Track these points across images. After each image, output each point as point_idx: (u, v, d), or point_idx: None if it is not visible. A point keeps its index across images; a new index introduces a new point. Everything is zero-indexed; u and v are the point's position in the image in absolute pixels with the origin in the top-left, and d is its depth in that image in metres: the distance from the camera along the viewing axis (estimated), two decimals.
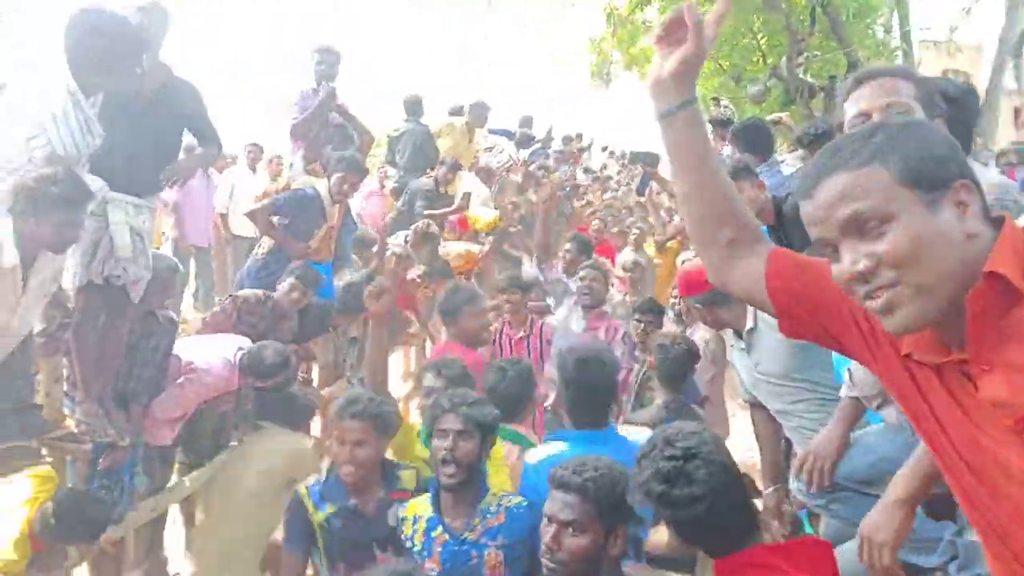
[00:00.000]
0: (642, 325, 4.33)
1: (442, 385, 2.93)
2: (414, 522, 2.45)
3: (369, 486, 2.61)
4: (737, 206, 1.31)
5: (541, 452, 2.70)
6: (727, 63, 13.60)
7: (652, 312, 4.44)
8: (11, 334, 3.00)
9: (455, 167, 7.09)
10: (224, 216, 8.17)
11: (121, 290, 3.49)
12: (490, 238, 6.95)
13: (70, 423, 3.39)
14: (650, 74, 1.30)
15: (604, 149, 13.94)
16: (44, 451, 3.24)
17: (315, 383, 5.48)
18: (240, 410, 4.46)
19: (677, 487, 1.64)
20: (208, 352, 3.87)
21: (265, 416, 4.58)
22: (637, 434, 2.74)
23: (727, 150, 5.89)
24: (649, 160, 5.01)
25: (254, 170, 8.84)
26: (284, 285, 4.46)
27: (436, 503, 2.43)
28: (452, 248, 6.49)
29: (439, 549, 2.37)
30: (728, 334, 2.99)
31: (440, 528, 2.39)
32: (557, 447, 2.65)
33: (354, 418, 2.57)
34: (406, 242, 5.99)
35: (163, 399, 3.72)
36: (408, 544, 2.42)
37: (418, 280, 5.95)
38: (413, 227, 6.16)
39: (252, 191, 7.74)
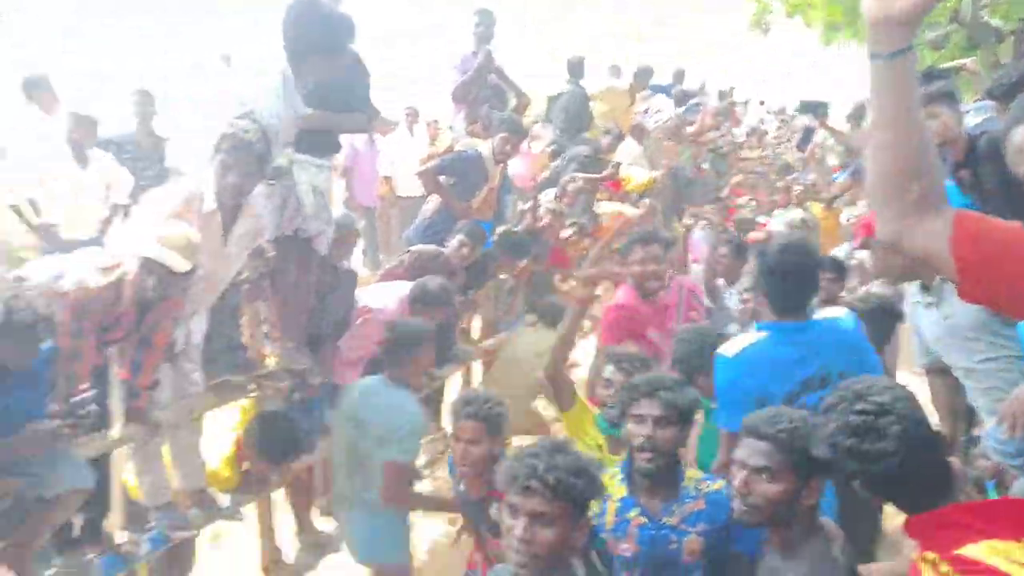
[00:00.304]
0: (823, 283, 3.90)
1: (622, 379, 2.86)
2: (603, 500, 2.30)
3: (478, 480, 2.73)
4: (933, 161, 1.26)
5: (739, 343, 2.61)
6: None
7: (834, 270, 4.12)
8: (218, 279, 3.37)
9: (619, 138, 7.07)
10: (388, 178, 8.62)
11: (306, 243, 3.80)
12: (645, 200, 6.92)
13: (270, 362, 3.79)
14: (877, 9, 1.21)
15: (761, 103, 13.36)
16: (250, 387, 3.66)
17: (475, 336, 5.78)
18: None
19: (867, 441, 1.62)
20: (382, 296, 4.20)
21: None
22: (843, 315, 2.69)
23: None
24: (820, 110, 4.74)
25: (412, 133, 9.23)
26: (454, 242, 4.71)
27: (630, 483, 2.34)
28: (605, 208, 6.53)
29: (635, 531, 2.29)
30: (907, 295, 2.86)
31: (636, 510, 2.30)
32: (756, 336, 2.60)
33: (468, 418, 2.68)
34: (557, 199, 6.09)
35: (346, 340, 4.07)
36: (594, 521, 2.27)
37: (571, 237, 6.07)
38: (562, 182, 6.23)
39: (412, 154, 8.12)
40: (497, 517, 2.42)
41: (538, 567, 1.76)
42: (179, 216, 3.08)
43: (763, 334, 2.60)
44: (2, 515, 2.74)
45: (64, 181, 5.33)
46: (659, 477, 2.30)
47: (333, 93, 3.69)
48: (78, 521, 3.00)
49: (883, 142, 1.24)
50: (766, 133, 11.70)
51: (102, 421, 2.95)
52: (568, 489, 1.75)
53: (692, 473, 2.37)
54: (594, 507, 2.26)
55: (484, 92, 6.06)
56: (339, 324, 4.13)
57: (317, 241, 3.83)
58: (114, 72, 5.54)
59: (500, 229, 5.40)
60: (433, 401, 5.15)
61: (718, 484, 2.33)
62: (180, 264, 2.87)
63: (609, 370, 3.00)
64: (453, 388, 5.51)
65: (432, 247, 4.67)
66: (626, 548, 2.28)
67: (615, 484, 2.35)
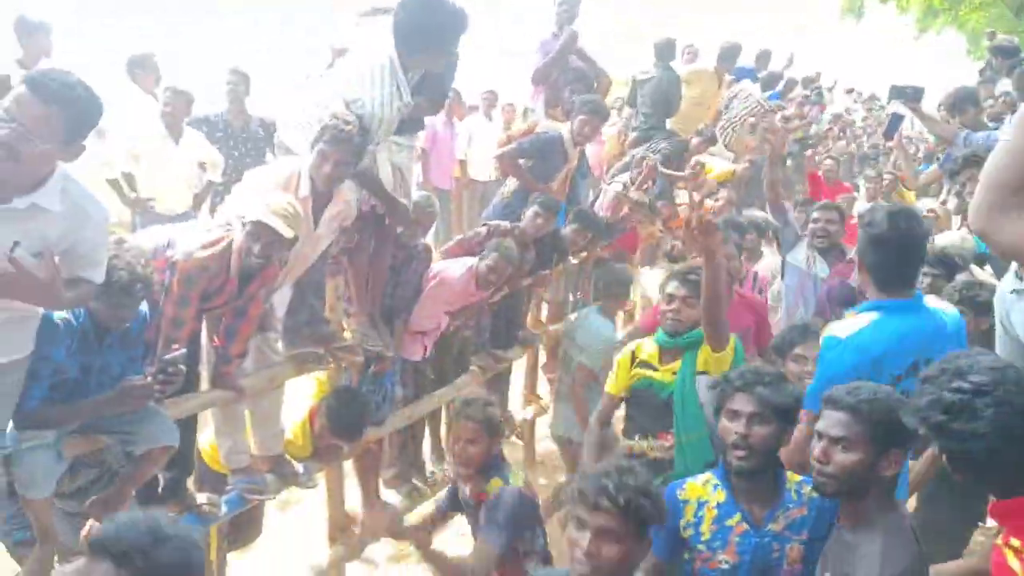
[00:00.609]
0: (928, 280, 3.53)
1: (684, 293, 2.96)
2: (699, 508, 2.24)
3: (474, 478, 2.83)
4: None
5: (850, 325, 2.46)
6: None
7: (942, 264, 3.64)
8: (306, 258, 3.47)
9: (711, 141, 6.90)
10: (463, 161, 8.69)
11: (383, 219, 3.86)
12: (723, 191, 6.75)
13: (348, 335, 3.89)
14: None
15: (850, 91, 12.88)
16: (328, 358, 3.76)
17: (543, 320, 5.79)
18: (480, 337, 4.86)
19: (959, 421, 1.57)
20: (452, 267, 4.27)
21: (496, 345, 4.99)
22: (950, 309, 2.56)
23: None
24: (914, 95, 4.47)
25: (490, 117, 9.27)
26: (529, 212, 4.73)
27: (729, 488, 2.23)
28: (717, 165, 6.36)
29: (736, 539, 2.18)
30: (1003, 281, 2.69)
31: (738, 516, 2.19)
32: (867, 318, 2.45)
33: (468, 419, 2.78)
34: (631, 184, 6.02)
35: (415, 311, 4.15)
36: (688, 532, 2.24)
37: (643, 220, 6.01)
38: (636, 159, 6.11)
39: (489, 137, 8.15)
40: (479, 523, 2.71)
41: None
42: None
43: (873, 315, 2.45)
44: (95, 471, 2.90)
45: (157, 156, 5.56)
46: (759, 480, 2.21)
47: (427, 82, 3.71)
48: (162, 479, 3.15)
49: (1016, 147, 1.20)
50: (853, 123, 11.30)
51: (189, 384, 3.08)
52: (637, 509, 1.79)
53: (792, 476, 2.27)
54: (688, 515, 2.25)
55: (566, 75, 6.02)
56: (411, 300, 4.21)
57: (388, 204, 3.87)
58: (114, 72, 5.75)
59: (574, 209, 5.39)
60: (500, 383, 5.20)
61: None
62: (286, 230, 2.99)
63: (673, 285, 3.01)
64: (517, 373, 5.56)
65: (506, 222, 4.68)
66: (725, 560, 2.18)
67: (709, 490, 2.26)
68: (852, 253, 4.21)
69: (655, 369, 3.05)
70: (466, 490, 2.90)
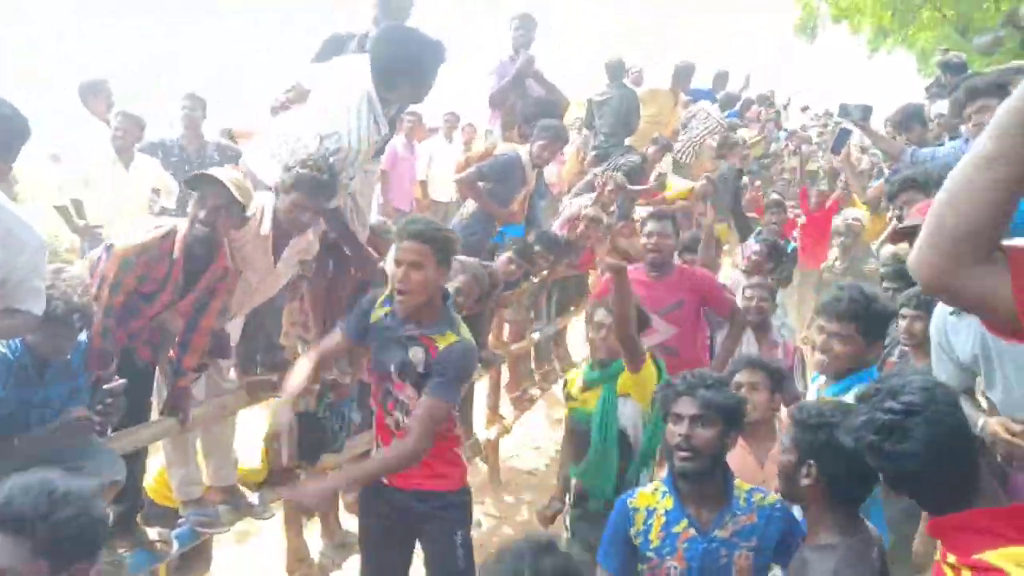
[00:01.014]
0: (890, 293, 3.36)
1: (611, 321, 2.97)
2: (648, 515, 2.26)
3: (420, 316, 2.62)
4: (1008, 213, 1.08)
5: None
6: (951, 11, 12.31)
7: (899, 275, 3.43)
8: (264, 293, 3.44)
9: (666, 147, 6.99)
10: (424, 183, 8.67)
11: (339, 246, 3.81)
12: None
13: None
14: None
15: (804, 109, 13.15)
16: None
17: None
18: None
19: (890, 441, 1.59)
20: None
21: None
22: None
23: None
24: (863, 113, 4.62)
25: (450, 139, 9.28)
26: (503, 258, 4.76)
27: (676, 494, 2.25)
28: (678, 184, 6.43)
29: (684, 546, 2.19)
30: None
31: (685, 522, 2.21)
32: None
33: (411, 238, 2.55)
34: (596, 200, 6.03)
35: None
36: (638, 540, 2.25)
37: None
38: (597, 179, 6.13)
39: (449, 159, 8.15)
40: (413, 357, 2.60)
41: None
42: None
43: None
44: None
45: (107, 182, 5.46)
46: (705, 483, 2.22)
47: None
48: (110, 515, 3.05)
49: (996, 181, 1.05)
50: (809, 139, 11.51)
51: (139, 415, 3.01)
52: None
53: (742, 484, 2.29)
54: (638, 523, 2.25)
55: (526, 102, 6.04)
56: None
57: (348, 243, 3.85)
58: (114, 72, 5.65)
59: (537, 232, 5.40)
60: (463, 403, 5.15)
61: (772, 497, 2.25)
62: (236, 192, 2.94)
63: (601, 313, 3.05)
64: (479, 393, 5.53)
65: (477, 263, 4.52)
66: (673, 565, 2.19)
67: (658, 498, 2.28)
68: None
69: (582, 400, 3.12)
70: (398, 324, 2.66)
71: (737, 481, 2.28)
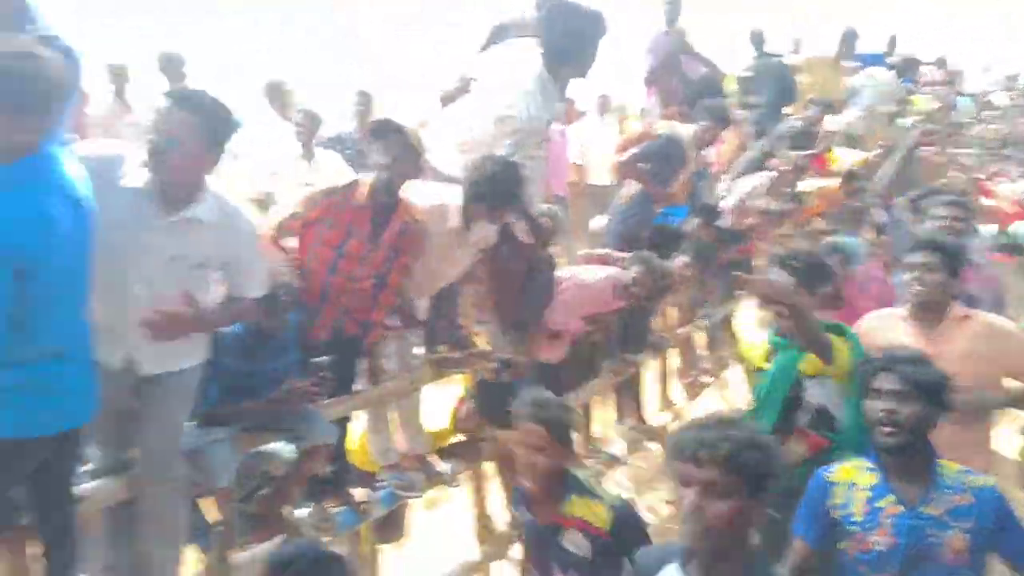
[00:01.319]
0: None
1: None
2: (849, 488, 2.23)
3: (544, 498, 2.36)
4: None
5: None
6: None
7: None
8: (445, 277, 3.66)
9: (827, 108, 6.69)
10: (579, 166, 8.69)
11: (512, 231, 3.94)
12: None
13: (480, 342, 4.02)
14: None
15: (987, 71, 11.86)
16: (464, 364, 3.89)
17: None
18: (610, 341, 4.89)
19: None
20: (590, 273, 4.35)
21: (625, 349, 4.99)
22: None
23: None
24: None
25: (603, 120, 9.23)
26: (679, 260, 4.74)
27: (883, 471, 2.21)
28: (809, 184, 6.19)
29: (889, 520, 2.15)
30: None
31: (891, 497, 2.16)
32: None
33: (535, 421, 2.32)
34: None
35: (552, 313, 4.20)
36: (838, 513, 2.21)
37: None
38: (784, 164, 5.95)
39: (604, 141, 8.12)
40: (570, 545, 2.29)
41: (711, 542, 1.60)
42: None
43: None
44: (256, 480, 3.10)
45: (293, 177, 5.88)
46: (910, 460, 2.17)
47: None
48: (323, 475, 3.35)
49: None
50: (994, 107, 10.48)
51: (344, 386, 3.28)
52: (742, 464, 1.58)
53: (951, 464, 2.21)
54: (837, 497, 2.21)
55: (686, 81, 5.98)
56: (540, 307, 4.28)
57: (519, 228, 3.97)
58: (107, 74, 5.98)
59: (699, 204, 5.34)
60: (629, 388, 5.20)
61: (987, 479, 2.19)
62: (416, 140, 3.14)
63: (775, 273, 2.97)
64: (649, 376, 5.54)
65: (658, 262, 4.44)
66: (878, 540, 2.15)
67: (860, 473, 2.25)
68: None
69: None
70: (529, 514, 2.45)
71: (946, 462, 2.20)
